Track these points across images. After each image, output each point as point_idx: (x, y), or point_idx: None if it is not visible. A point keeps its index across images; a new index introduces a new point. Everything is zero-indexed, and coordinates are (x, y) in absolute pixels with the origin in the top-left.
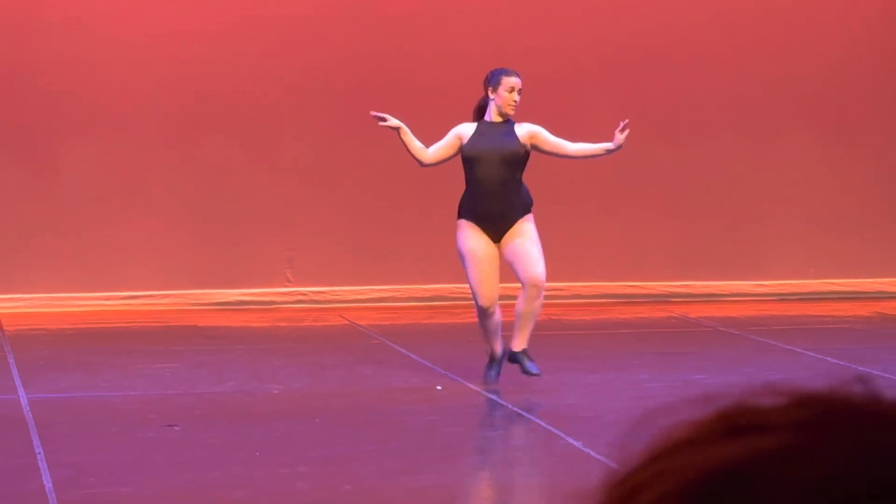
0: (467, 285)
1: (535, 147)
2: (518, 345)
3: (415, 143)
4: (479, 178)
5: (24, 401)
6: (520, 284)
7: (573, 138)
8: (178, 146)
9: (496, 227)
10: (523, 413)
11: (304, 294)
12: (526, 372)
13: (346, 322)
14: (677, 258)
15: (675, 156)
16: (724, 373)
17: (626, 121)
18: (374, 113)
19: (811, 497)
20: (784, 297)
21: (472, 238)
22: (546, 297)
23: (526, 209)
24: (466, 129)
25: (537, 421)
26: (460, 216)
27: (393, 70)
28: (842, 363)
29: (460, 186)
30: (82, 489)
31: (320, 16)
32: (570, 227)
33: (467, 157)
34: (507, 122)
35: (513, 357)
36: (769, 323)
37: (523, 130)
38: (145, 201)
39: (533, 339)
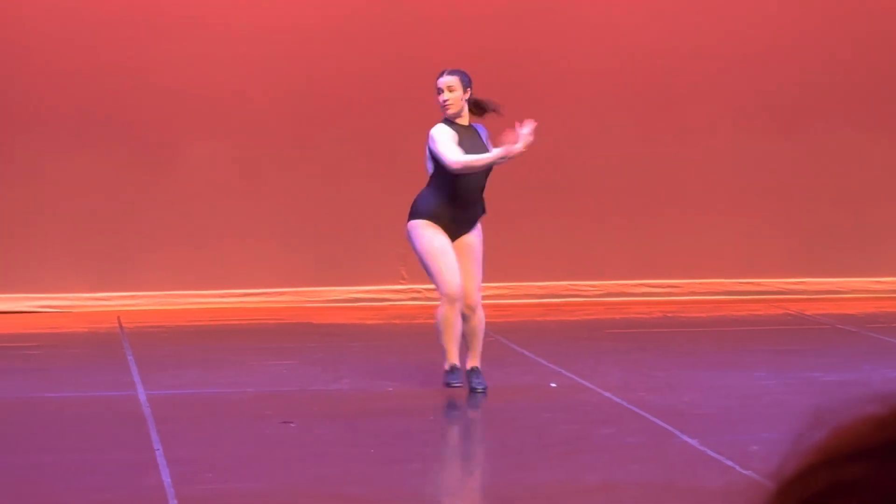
0: (583, 282)
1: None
2: (469, 362)
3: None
4: (462, 186)
5: (142, 397)
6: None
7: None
8: (294, 144)
9: (459, 230)
10: (637, 410)
11: (419, 292)
12: (472, 389)
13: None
14: (793, 255)
15: (790, 152)
16: (842, 371)
17: (533, 123)
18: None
19: None
20: None
21: (436, 235)
22: (660, 294)
23: (483, 212)
24: (445, 131)
25: (652, 418)
26: (419, 217)
27: (510, 67)
28: None
29: (579, 181)
30: (200, 485)
31: (437, 14)
32: (687, 224)
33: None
34: (470, 126)
35: (466, 374)
36: (888, 320)
37: (484, 134)
38: (261, 199)
39: (649, 336)
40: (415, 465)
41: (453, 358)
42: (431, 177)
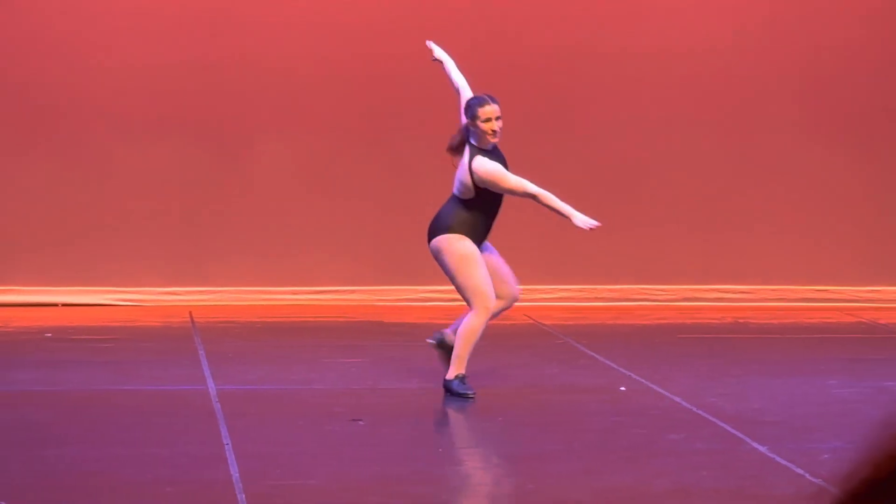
0: (654, 286)
1: None
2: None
3: (454, 74)
4: (495, 210)
5: (212, 391)
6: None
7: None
8: (366, 141)
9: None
10: (707, 416)
11: None
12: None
13: (531, 321)
14: (866, 263)
15: (864, 159)
16: None
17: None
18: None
19: None
20: None
21: (473, 246)
22: (732, 300)
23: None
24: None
25: (722, 424)
26: (455, 231)
27: (589, 69)
28: None
29: (646, 184)
30: (269, 480)
31: (520, 7)
32: (759, 230)
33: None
34: (496, 149)
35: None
36: None
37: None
38: (334, 197)
39: (720, 342)
40: (482, 465)
41: (464, 368)
42: (467, 199)
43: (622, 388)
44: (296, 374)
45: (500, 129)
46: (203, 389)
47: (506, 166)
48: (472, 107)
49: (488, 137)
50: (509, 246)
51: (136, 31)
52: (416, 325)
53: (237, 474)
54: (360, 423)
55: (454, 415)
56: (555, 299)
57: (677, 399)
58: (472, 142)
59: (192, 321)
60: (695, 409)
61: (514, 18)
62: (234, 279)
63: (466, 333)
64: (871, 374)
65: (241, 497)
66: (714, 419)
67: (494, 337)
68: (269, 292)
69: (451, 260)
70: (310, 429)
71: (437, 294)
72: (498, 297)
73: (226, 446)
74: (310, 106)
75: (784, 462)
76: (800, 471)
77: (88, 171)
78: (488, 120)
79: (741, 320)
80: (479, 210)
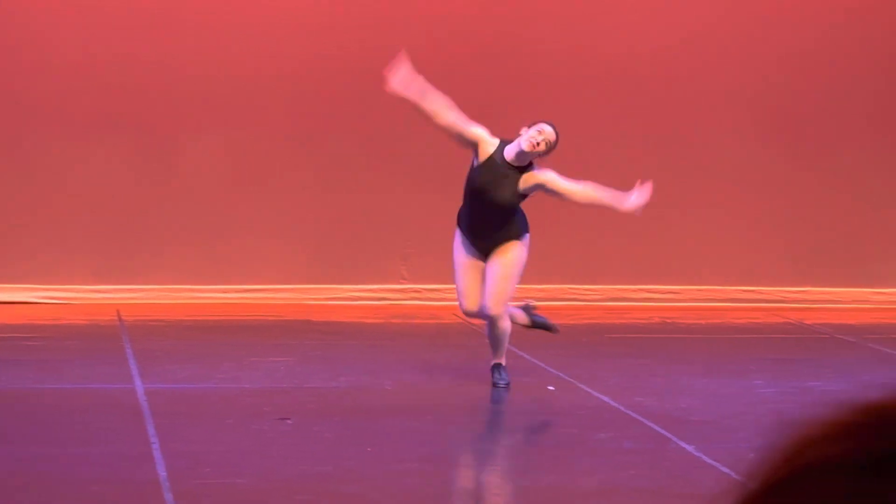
0: (582, 286)
1: (540, 188)
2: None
3: (429, 103)
4: (471, 211)
5: (140, 390)
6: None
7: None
8: (298, 142)
9: (484, 250)
10: (635, 415)
11: (419, 291)
12: (495, 384)
13: (460, 320)
14: (794, 264)
15: (796, 161)
16: (840, 381)
17: (649, 183)
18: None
19: None
20: None
21: (462, 250)
22: (660, 300)
23: (516, 237)
24: (485, 147)
25: (649, 424)
26: (458, 225)
27: (517, 67)
28: None
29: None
30: (196, 479)
31: (455, 14)
32: (688, 231)
33: (467, 183)
34: (519, 169)
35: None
36: (888, 331)
37: (530, 178)
38: (264, 196)
39: (648, 341)
40: (410, 464)
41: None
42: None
43: (550, 388)
44: (224, 372)
45: (541, 148)
46: (130, 388)
47: (502, 188)
48: (535, 120)
49: (526, 144)
50: (436, 247)
51: (64, 30)
52: (345, 323)
53: (164, 473)
54: (289, 421)
55: (383, 414)
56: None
57: (605, 398)
58: (509, 148)
59: (120, 319)
60: (622, 408)
61: (443, 16)
62: (163, 277)
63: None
64: (796, 374)
65: (169, 496)
66: (641, 418)
67: (425, 336)
68: (198, 290)
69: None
70: (238, 428)
71: (366, 293)
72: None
73: (153, 445)
74: (240, 104)
75: (710, 461)
76: (726, 469)
77: (14, 168)
78: (539, 132)
79: (669, 320)
80: (464, 204)
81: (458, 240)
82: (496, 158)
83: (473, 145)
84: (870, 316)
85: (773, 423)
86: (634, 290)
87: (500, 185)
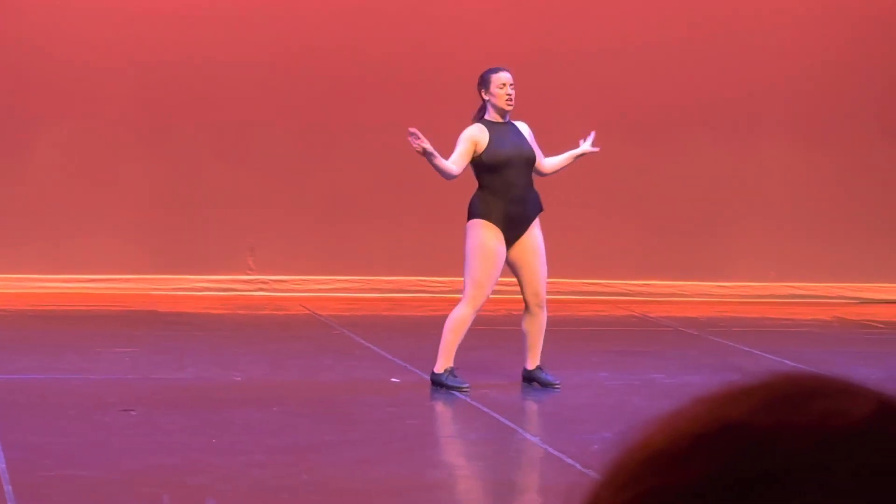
0: (430, 278)
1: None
2: (532, 363)
3: (443, 163)
4: (509, 183)
5: None
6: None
7: (541, 139)
8: (147, 133)
9: (517, 230)
10: (481, 407)
11: (266, 283)
12: (549, 385)
13: (308, 311)
14: (639, 257)
15: (640, 155)
16: (683, 373)
17: (593, 133)
18: (412, 130)
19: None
20: (745, 300)
21: (490, 237)
22: (504, 293)
23: (540, 209)
24: (479, 134)
25: (495, 415)
26: (478, 217)
27: (364, 64)
28: (799, 366)
29: (424, 177)
30: (38, 471)
31: (291, 8)
32: None
33: (492, 163)
34: (508, 123)
35: (530, 375)
36: (729, 324)
37: (526, 130)
38: (110, 186)
39: (491, 333)
40: (258, 456)
41: (452, 361)
42: (477, 178)
43: (394, 380)
44: (67, 363)
45: (514, 96)
46: None
47: (519, 140)
48: (485, 76)
49: (504, 104)
50: (283, 238)
51: None
52: (192, 314)
53: (3, 465)
54: (133, 413)
55: (229, 405)
56: (332, 290)
57: (452, 390)
58: (487, 117)
59: None
60: (469, 399)
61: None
62: (4, 266)
63: (450, 322)
64: (640, 366)
65: (8, 489)
66: (488, 410)
67: (269, 327)
68: (41, 280)
69: (467, 245)
70: (81, 419)
71: (213, 284)
72: (525, 298)
73: None
74: (86, 95)
75: (555, 452)
76: (570, 461)
77: None
78: (502, 86)
79: (515, 312)
80: (492, 189)
81: (482, 229)
82: (494, 129)
83: (475, 146)
84: (712, 309)
85: (624, 430)
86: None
87: (518, 140)
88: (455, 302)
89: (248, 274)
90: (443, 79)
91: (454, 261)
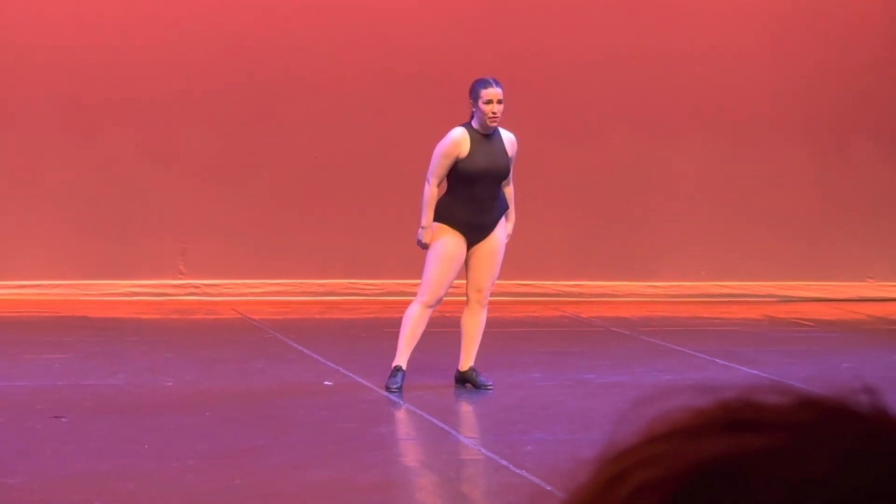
0: (361, 281)
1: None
2: (466, 364)
3: (431, 208)
4: (476, 196)
5: None
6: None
7: None
8: (74, 137)
9: (480, 235)
10: (414, 409)
11: (197, 287)
12: (482, 386)
13: (239, 315)
14: (570, 257)
15: (568, 154)
16: (615, 373)
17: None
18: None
19: (797, 498)
20: (676, 299)
21: (451, 242)
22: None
23: (505, 207)
24: (462, 141)
25: (428, 417)
26: (442, 221)
27: (292, 63)
28: (730, 365)
29: (355, 180)
30: None
31: (221, 10)
32: None
33: (465, 173)
34: (492, 134)
35: (463, 377)
36: (661, 324)
37: (508, 142)
38: (38, 191)
39: (424, 335)
40: (191, 461)
41: (403, 360)
42: (447, 182)
43: (327, 383)
44: None
45: (500, 112)
46: None
47: (495, 156)
48: (475, 87)
49: (487, 120)
50: (214, 241)
51: None
52: (123, 319)
53: None
54: (63, 420)
55: (161, 411)
56: (264, 294)
57: (383, 392)
58: (473, 125)
59: None
60: (401, 402)
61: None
62: None
63: (404, 320)
64: (572, 366)
65: None
66: (421, 412)
67: (200, 332)
68: None
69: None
70: (10, 426)
71: (143, 289)
72: (467, 290)
73: None
74: (11, 100)
75: (489, 454)
76: (504, 462)
77: None
78: (489, 102)
79: (447, 314)
80: (458, 196)
81: (445, 233)
82: (476, 139)
83: (458, 150)
84: (644, 309)
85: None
86: (413, 285)
87: (495, 154)
88: (388, 304)
89: (180, 278)
90: (376, 77)
91: (386, 263)
